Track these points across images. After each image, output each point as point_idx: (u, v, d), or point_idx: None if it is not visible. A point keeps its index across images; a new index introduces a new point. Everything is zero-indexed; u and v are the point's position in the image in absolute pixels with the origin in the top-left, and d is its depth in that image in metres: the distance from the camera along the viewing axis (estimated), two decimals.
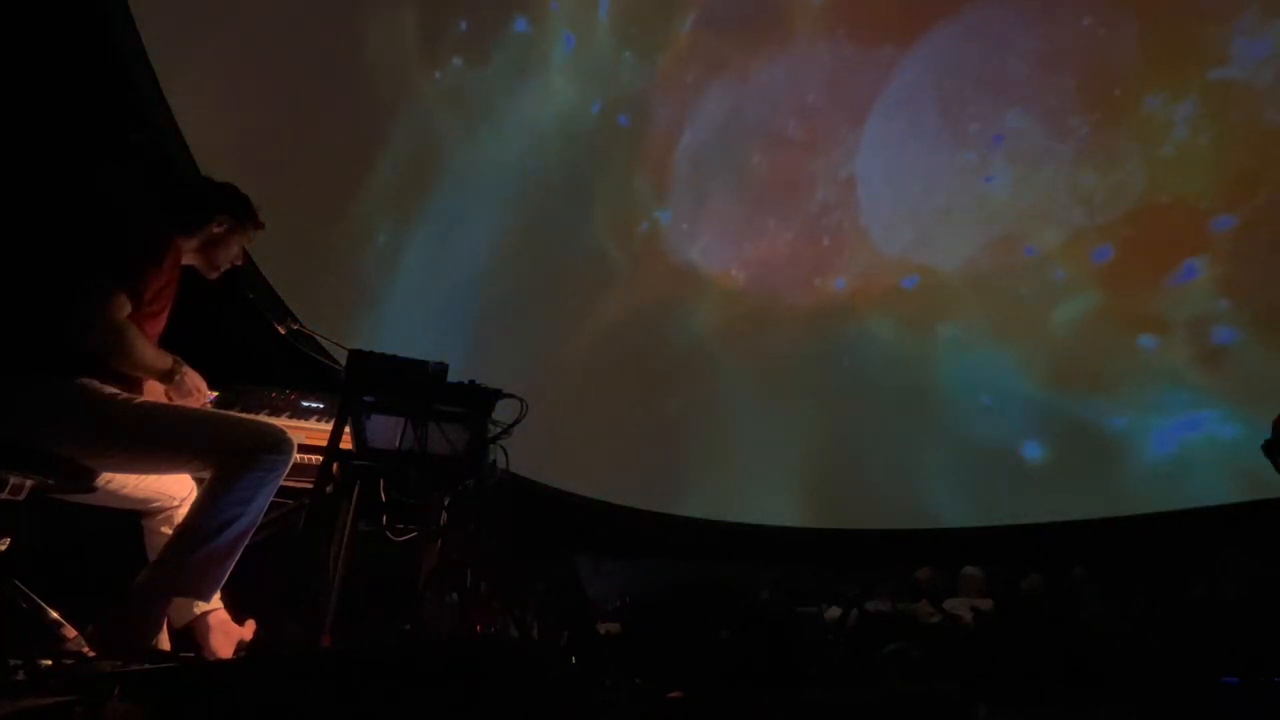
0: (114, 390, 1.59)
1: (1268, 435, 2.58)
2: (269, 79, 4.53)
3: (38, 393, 1.53)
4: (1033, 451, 4.80)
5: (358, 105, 5.17)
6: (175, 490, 1.82)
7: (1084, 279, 4.88)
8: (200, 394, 1.78)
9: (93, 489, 1.61)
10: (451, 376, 1.82)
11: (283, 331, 2.18)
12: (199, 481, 1.74)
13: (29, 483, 1.47)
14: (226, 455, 1.62)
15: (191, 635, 1.66)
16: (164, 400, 1.74)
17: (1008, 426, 4.87)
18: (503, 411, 1.95)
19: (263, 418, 2.01)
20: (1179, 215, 4.59)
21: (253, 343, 3.15)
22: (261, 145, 4.41)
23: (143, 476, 1.73)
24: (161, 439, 1.62)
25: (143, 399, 1.64)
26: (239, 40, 4.39)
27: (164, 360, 1.69)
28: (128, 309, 1.59)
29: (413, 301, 5.51)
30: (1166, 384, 4.19)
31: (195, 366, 1.79)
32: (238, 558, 1.62)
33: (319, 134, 4.87)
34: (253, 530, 1.64)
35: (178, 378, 1.71)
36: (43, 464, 1.50)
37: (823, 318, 6.01)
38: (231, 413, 1.85)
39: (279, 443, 1.68)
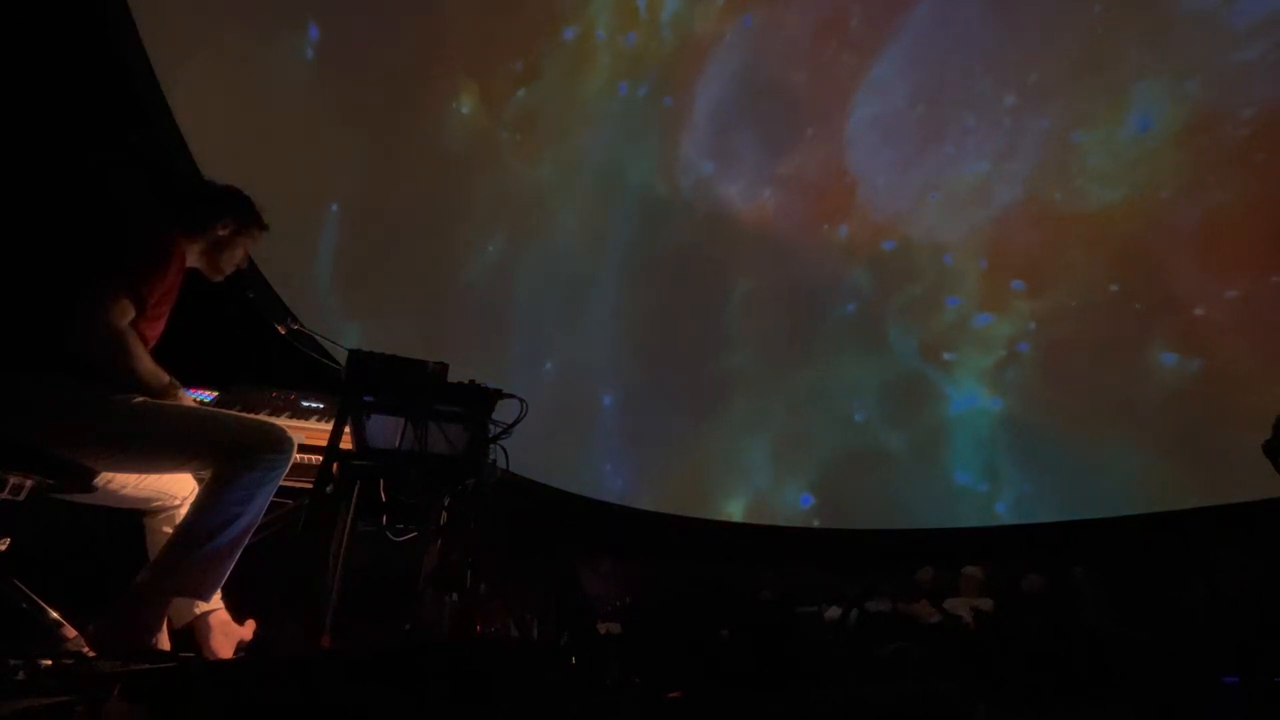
0: (114, 389, 1.59)
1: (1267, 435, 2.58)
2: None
3: (38, 392, 1.53)
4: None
5: (444, 159, 6.27)
6: (177, 489, 1.82)
7: (963, 283, 6.40)
8: None
9: (93, 489, 1.61)
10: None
11: (283, 331, 2.18)
12: (200, 480, 1.74)
13: (29, 483, 1.47)
14: (227, 455, 1.62)
15: (192, 635, 1.66)
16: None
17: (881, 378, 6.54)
18: (503, 412, 1.95)
19: (263, 417, 2.01)
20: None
21: (253, 343, 3.15)
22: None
23: (144, 476, 1.73)
24: (161, 439, 1.62)
25: (142, 399, 1.64)
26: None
27: (159, 378, 1.68)
28: (130, 314, 1.59)
29: (522, 293, 6.69)
30: (973, 375, 6.15)
31: (196, 366, 1.79)
32: (238, 557, 1.62)
33: (416, 188, 5.93)
34: (253, 529, 1.64)
35: (170, 399, 1.70)
36: (43, 464, 1.50)
37: (830, 260, 6.97)
38: (232, 412, 1.85)
39: (279, 442, 1.68)
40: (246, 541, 1.62)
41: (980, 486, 5.79)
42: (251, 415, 1.92)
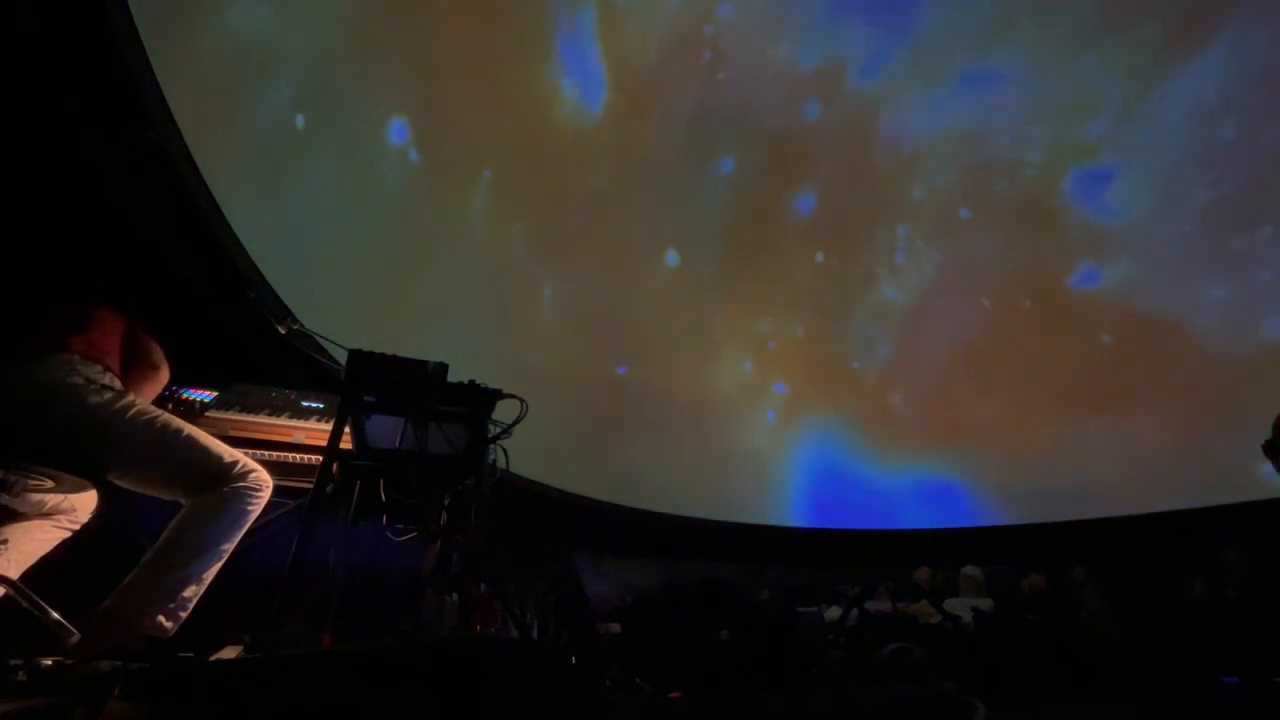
0: (107, 388, 1.60)
1: (1267, 435, 2.58)
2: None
3: (37, 393, 1.53)
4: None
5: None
6: None
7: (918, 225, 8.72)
8: None
9: (94, 487, 1.62)
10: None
11: (283, 331, 2.17)
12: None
13: (29, 483, 1.47)
14: (202, 490, 1.61)
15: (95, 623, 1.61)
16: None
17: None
18: (503, 413, 1.95)
19: (262, 418, 2.01)
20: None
21: (253, 343, 3.15)
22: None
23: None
24: (150, 448, 1.61)
25: (142, 403, 1.64)
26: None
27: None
28: None
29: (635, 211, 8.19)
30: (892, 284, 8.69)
31: (196, 366, 1.78)
32: (207, 585, 1.60)
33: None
34: (225, 558, 1.62)
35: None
36: (45, 463, 1.50)
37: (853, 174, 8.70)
38: (216, 444, 1.72)
39: (257, 488, 1.66)
40: (219, 568, 1.61)
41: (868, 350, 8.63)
42: (234, 452, 1.75)
